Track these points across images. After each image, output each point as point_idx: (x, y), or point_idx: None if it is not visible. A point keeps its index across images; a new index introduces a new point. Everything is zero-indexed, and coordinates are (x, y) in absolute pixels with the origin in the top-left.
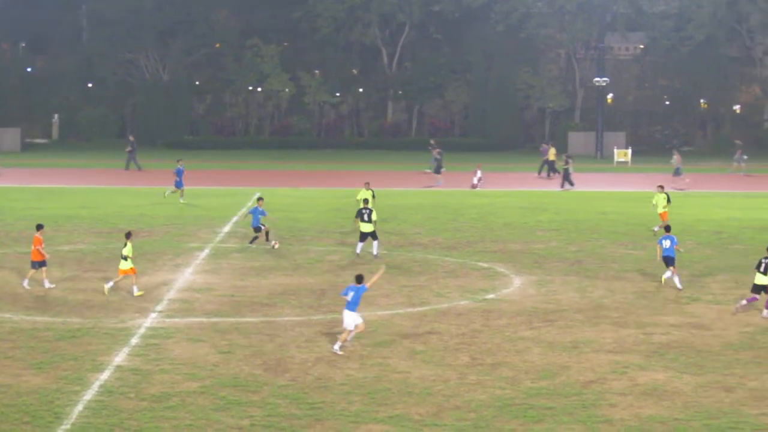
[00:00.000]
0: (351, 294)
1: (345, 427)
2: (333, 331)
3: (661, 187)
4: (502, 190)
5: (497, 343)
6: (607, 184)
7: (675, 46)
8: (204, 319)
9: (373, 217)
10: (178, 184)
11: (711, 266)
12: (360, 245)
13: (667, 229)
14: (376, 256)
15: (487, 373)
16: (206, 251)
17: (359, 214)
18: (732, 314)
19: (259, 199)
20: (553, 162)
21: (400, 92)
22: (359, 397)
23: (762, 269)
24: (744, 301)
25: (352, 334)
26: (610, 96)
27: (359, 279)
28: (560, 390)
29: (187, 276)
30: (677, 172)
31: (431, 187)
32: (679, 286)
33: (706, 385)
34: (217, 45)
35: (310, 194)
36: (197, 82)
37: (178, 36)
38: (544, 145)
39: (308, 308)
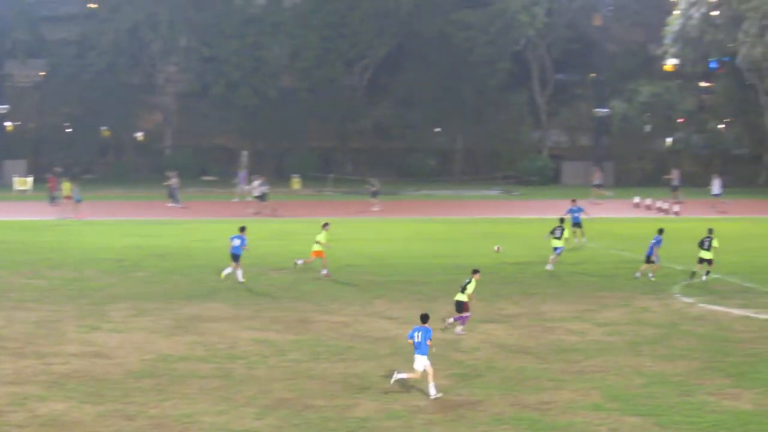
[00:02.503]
0: (418, 335)
1: None
2: None
3: (326, 224)
4: None
5: None
6: (6, 212)
7: (77, 73)
8: None
9: None
10: None
11: (113, 294)
12: None
13: (242, 230)
14: None
15: None
16: None
17: None
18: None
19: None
20: None
21: None
22: None
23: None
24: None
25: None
26: (9, 123)
27: (424, 319)
28: None
29: None
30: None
31: None
32: (240, 279)
33: (106, 414)
34: None
35: None
36: None
37: None
38: None
39: None
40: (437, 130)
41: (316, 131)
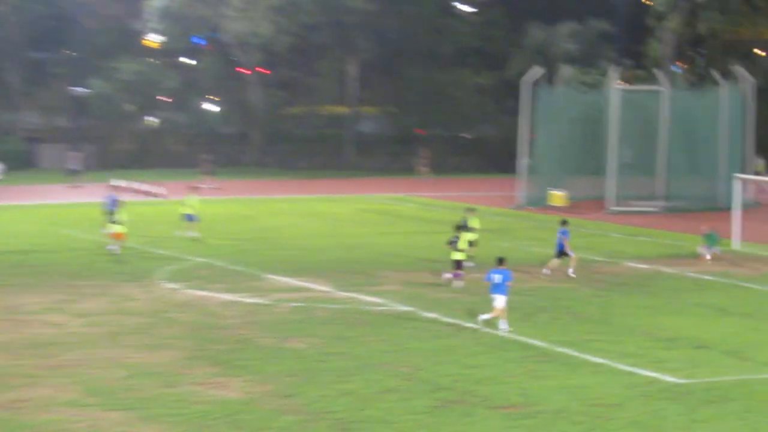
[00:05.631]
0: (498, 277)
1: None
2: None
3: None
4: None
5: None
6: None
7: None
8: None
9: None
10: None
11: None
12: None
13: None
14: None
15: None
16: None
17: None
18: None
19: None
20: None
21: None
22: None
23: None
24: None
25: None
26: None
27: (501, 261)
28: None
29: None
30: None
31: None
32: None
33: None
34: None
35: None
36: None
37: None
38: None
39: None
40: None
41: None
